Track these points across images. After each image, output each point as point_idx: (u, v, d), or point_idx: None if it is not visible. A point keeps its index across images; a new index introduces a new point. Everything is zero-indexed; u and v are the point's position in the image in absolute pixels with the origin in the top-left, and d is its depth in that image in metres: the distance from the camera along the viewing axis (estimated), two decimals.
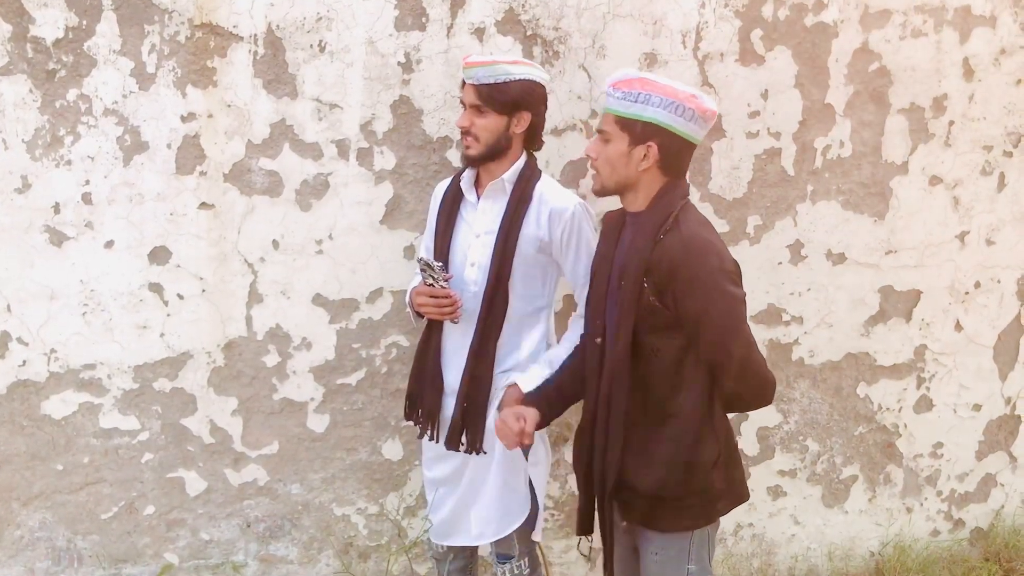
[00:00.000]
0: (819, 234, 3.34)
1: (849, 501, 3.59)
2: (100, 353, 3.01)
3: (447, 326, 2.74)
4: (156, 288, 3.01)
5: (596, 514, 2.53)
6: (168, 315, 3.03)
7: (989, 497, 3.74)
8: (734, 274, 2.30)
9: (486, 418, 2.69)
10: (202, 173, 2.96)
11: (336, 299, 3.10)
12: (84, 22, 2.81)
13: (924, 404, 3.58)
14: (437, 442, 2.78)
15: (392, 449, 3.23)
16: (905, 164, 3.35)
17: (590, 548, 2.62)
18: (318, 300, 3.09)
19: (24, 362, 2.98)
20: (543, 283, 2.73)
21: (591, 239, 2.67)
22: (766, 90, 3.19)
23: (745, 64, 3.16)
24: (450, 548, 2.91)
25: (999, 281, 3.54)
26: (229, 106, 2.92)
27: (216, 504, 3.17)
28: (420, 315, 2.75)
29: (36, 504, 3.08)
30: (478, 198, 2.71)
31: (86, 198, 2.91)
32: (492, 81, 2.55)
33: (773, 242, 3.31)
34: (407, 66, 2.98)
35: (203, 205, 2.98)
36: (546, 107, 2.69)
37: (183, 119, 2.91)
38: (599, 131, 2.35)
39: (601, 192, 2.39)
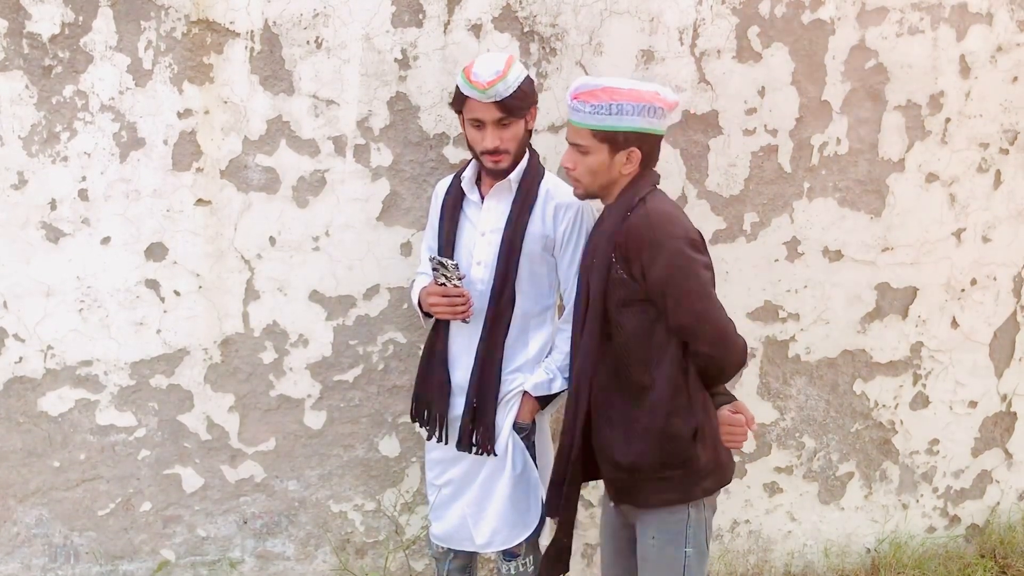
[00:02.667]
0: (816, 231, 3.34)
1: (845, 498, 3.60)
2: (97, 350, 3.01)
3: (454, 326, 2.73)
4: (153, 285, 3.00)
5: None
6: (165, 312, 3.03)
7: (985, 494, 3.74)
8: (698, 242, 2.37)
9: (496, 418, 2.67)
10: (199, 169, 2.95)
11: (333, 296, 3.10)
12: (80, 18, 2.80)
13: (920, 401, 3.58)
14: (446, 443, 2.76)
15: (389, 446, 3.23)
16: (902, 161, 3.35)
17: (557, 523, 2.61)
18: (315, 297, 3.09)
19: (20, 359, 2.98)
20: (550, 282, 2.73)
21: None
22: (763, 87, 3.20)
23: (742, 61, 3.17)
24: (451, 547, 2.90)
25: (995, 278, 3.54)
26: (226, 102, 2.92)
27: (213, 500, 3.17)
28: (429, 315, 2.74)
29: (33, 501, 3.08)
30: (481, 197, 2.70)
31: (82, 194, 2.91)
32: (510, 92, 2.53)
33: (770, 239, 3.31)
34: (404, 63, 2.98)
35: (200, 202, 2.98)
36: None
37: (180, 115, 2.91)
38: (574, 144, 2.39)
39: (584, 196, 2.49)
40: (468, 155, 2.96)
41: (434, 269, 2.61)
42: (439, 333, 2.76)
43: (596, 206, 2.79)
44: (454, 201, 2.73)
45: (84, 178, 2.90)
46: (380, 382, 3.17)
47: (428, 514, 2.90)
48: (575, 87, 2.37)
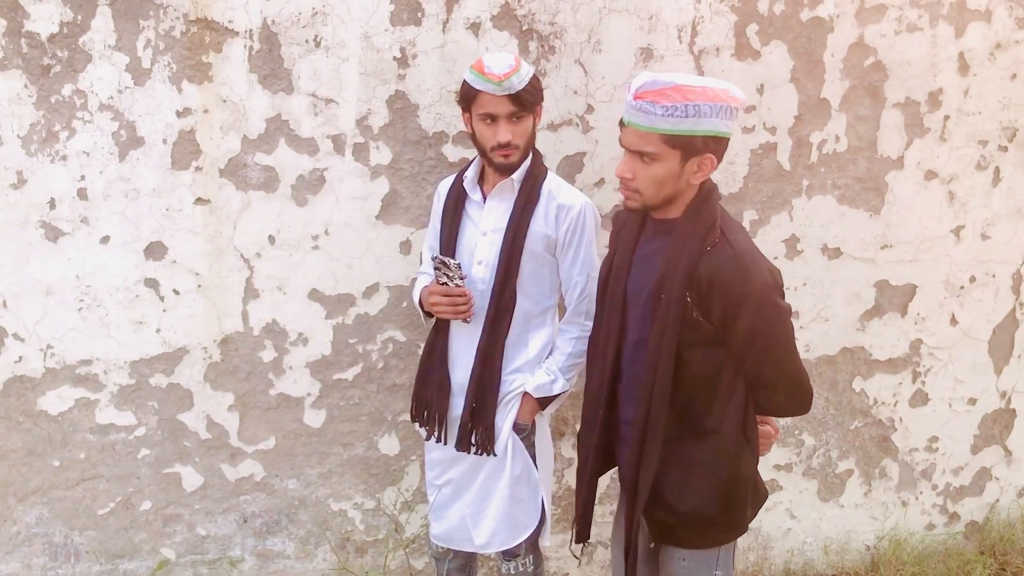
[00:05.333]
0: (815, 229, 3.34)
1: (845, 495, 3.60)
2: (96, 349, 3.01)
3: (455, 326, 2.73)
4: (152, 284, 3.00)
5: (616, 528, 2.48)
6: (164, 311, 3.03)
7: (984, 491, 3.75)
8: (781, 286, 2.22)
9: (495, 419, 2.67)
10: (198, 168, 2.95)
11: (332, 294, 3.10)
12: (79, 17, 2.80)
13: (919, 398, 3.59)
14: (445, 444, 2.77)
15: (389, 444, 3.23)
16: (900, 159, 3.36)
17: (582, 550, 2.57)
18: (314, 295, 3.09)
19: (20, 358, 2.98)
20: (551, 283, 2.72)
21: (592, 242, 2.66)
22: (762, 85, 3.20)
23: (741, 59, 3.17)
24: (450, 547, 2.90)
25: (994, 275, 3.54)
26: (225, 101, 2.92)
27: (213, 499, 3.18)
28: (430, 315, 2.74)
29: (33, 500, 3.08)
30: (483, 196, 2.70)
31: (81, 193, 2.91)
32: (523, 85, 2.53)
33: (769, 237, 3.31)
34: (403, 61, 2.98)
35: (199, 200, 2.97)
36: None
37: (179, 114, 2.91)
38: (640, 152, 2.14)
39: (642, 209, 2.25)
40: (467, 153, 2.97)
41: (436, 268, 2.61)
42: (439, 333, 2.76)
43: (599, 206, 2.80)
44: (456, 200, 2.73)
45: (83, 177, 2.90)
46: (380, 380, 3.17)
47: (428, 513, 2.90)
48: (639, 85, 2.10)
